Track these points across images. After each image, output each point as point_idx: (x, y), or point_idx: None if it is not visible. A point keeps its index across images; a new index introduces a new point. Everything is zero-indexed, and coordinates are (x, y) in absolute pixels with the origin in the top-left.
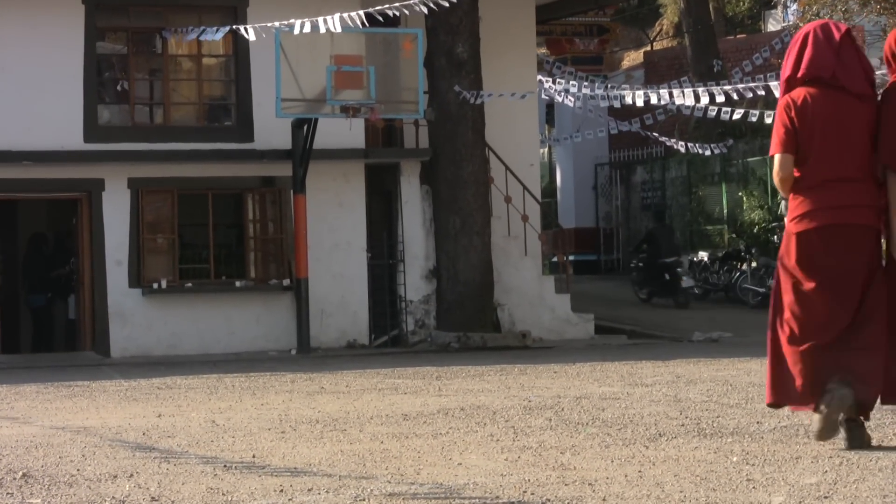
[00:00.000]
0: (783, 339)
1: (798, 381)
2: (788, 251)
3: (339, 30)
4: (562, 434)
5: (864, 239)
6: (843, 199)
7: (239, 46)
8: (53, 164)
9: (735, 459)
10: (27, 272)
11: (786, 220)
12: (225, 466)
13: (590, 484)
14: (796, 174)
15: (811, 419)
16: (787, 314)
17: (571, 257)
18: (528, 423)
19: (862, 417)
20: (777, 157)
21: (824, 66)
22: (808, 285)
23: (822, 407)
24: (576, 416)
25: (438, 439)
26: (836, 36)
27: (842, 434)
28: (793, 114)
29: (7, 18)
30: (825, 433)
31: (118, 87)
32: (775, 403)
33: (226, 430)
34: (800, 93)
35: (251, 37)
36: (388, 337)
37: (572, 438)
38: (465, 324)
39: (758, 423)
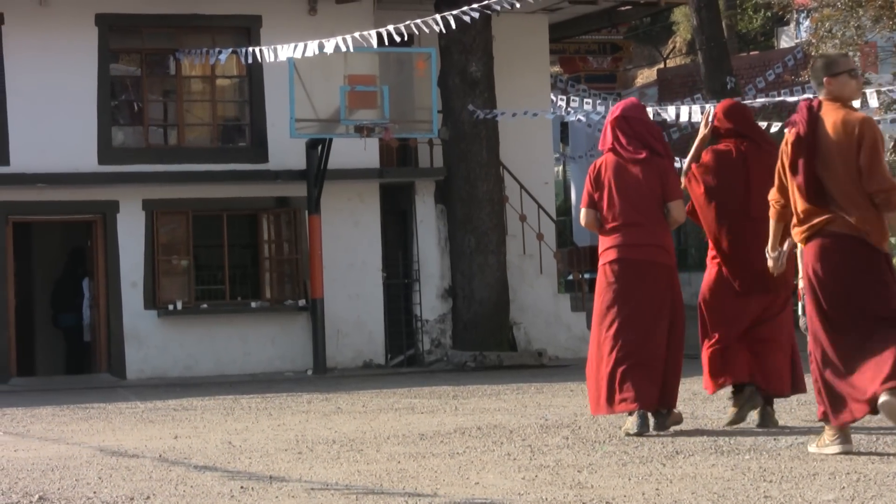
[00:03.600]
0: (593, 353)
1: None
2: (598, 280)
3: (352, 49)
4: (579, 452)
5: (651, 271)
6: (631, 239)
7: (252, 67)
8: (68, 186)
9: (752, 476)
10: (60, 290)
11: None
12: (242, 488)
13: (607, 502)
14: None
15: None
16: (595, 332)
17: (587, 275)
18: (545, 441)
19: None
20: (582, 211)
21: (605, 141)
22: (610, 308)
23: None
24: (592, 434)
25: (455, 459)
26: (611, 117)
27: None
28: (592, 177)
29: (20, 41)
30: (636, 429)
31: (132, 109)
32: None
33: (242, 451)
34: (600, 160)
35: (268, 58)
36: (405, 356)
37: (589, 457)
38: (481, 343)
39: (775, 439)
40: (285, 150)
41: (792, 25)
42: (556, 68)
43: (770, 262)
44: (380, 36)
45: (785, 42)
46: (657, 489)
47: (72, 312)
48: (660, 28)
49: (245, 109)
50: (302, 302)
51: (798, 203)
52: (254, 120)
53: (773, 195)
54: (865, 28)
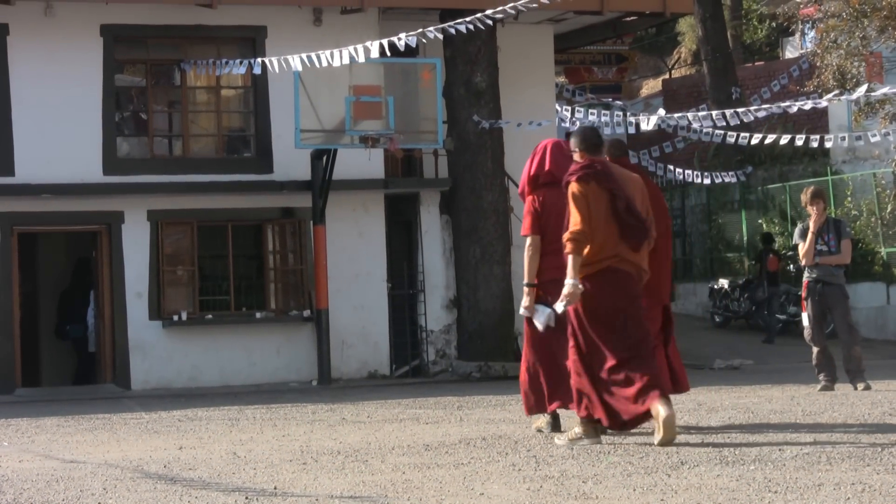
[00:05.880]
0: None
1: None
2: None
3: (359, 60)
4: (584, 463)
5: None
6: (565, 261)
7: (257, 77)
8: (73, 196)
9: (757, 487)
10: (66, 301)
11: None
12: (247, 498)
13: None
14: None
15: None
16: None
17: None
18: (550, 452)
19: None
20: (530, 238)
21: (559, 173)
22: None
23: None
24: (597, 444)
25: (460, 469)
26: (567, 150)
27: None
28: (537, 205)
29: (26, 51)
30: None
31: (137, 120)
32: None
33: (247, 462)
34: (542, 191)
35: (272, 68)
36: (409, 367)
37: (594, 467)
38: (486, 353)
39: (780, 450)
40: (290, 161)
41: (797, 36)
42: (562, 79)
43: (568, 291)
44: (387, 45)
45: (790, 52)
46: (662, 500)
47: (79, 323)
48: (665, 39)
49: (250, 120)
50: (307, 312)
51: (610, 240)
52: (259, 130)
53: (576, 233)
54: (870, 38)
